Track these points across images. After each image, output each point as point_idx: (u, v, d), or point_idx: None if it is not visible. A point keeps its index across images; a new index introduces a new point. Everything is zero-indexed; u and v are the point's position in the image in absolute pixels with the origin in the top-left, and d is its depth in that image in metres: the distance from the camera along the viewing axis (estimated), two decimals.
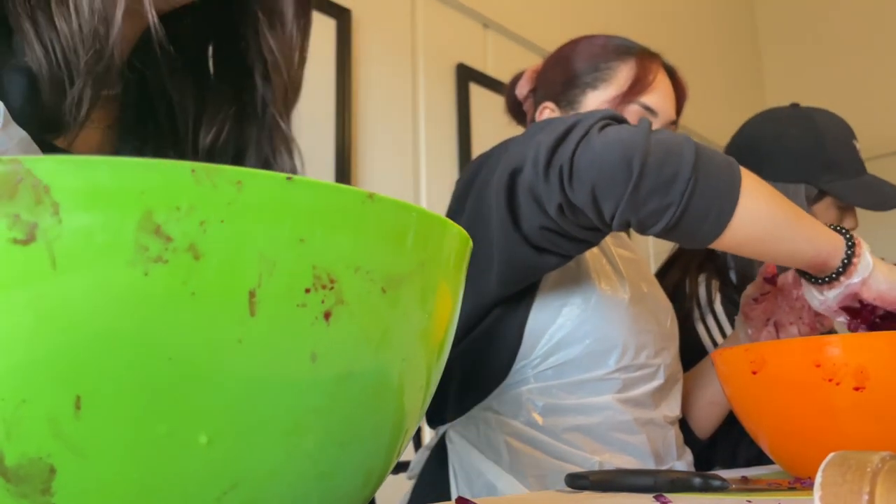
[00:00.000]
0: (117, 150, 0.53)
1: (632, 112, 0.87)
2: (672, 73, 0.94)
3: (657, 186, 0.63)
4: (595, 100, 0.89)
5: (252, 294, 0.22)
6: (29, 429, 0.22)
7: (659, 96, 0.89)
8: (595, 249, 0.86)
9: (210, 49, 0.58)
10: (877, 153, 2.37)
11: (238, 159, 0.56)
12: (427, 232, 0.27)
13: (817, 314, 0.84)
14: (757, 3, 3.15)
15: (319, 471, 0.26)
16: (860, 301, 0.72)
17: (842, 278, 0.68)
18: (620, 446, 0.80)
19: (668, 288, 1.07)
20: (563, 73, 0.93)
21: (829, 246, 0.68)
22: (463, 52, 1.61)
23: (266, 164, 0.56)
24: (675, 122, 0.93)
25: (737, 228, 0.64)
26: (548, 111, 0.93)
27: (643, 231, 0.66)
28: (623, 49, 0.91)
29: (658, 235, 0.66)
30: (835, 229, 0.69)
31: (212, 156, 0.55)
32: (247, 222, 0.22)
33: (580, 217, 0.67)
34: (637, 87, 0.88)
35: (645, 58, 0.90)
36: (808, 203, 1.11)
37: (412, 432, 0.33)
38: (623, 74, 0.89)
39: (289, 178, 0.23)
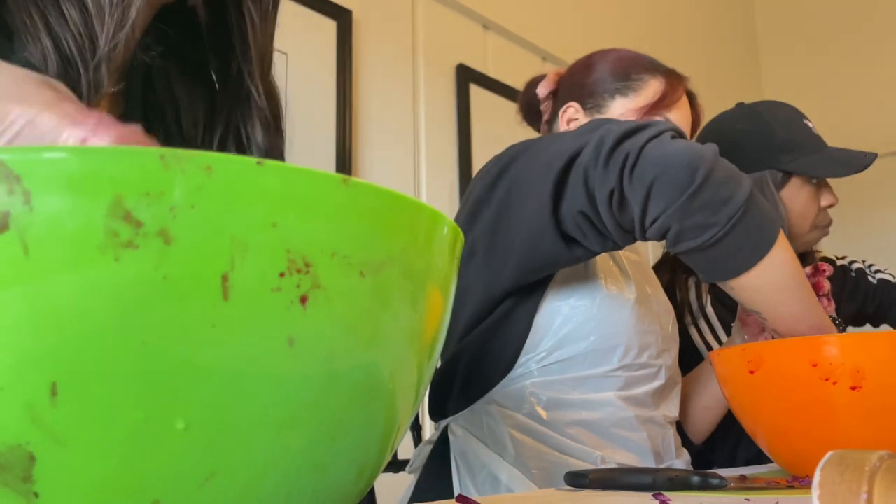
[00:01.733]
0: None
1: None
2: (693, 100, 0.98)
3: (711, 202, 0.64)
4: (621, 107, 0.91)
5: (225, 278, 0.23)
6: (7, 416, 0.22)
7: (680, 116, 0.93)
8: (607, 258, 0.88)
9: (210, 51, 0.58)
10: (877, 153, 2.42)
11: (239, 148, 0.56)
12: (405, 217, 0.27)
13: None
14: (756, 3, 3.16)
15: (309, 463, 0.26)
16: None
17: None
18: (622, 442, 0.81)
19: None
20: (592, 76, 0.95)
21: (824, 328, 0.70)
22: (463, 52, 1.62)
23: (238, 138, 0.55)
24: None
25: (763, 270, 0.66)
26: (572, 110, 0.95)
27: (677, 244, 0.67)
28: (653, 65, 0.95)
29: (688, 253, 0.68)
30: (832, 318, 0.73)
31: (216, 148, 0.56)
32: (217, 207, 0.22)
33: (625, 212, 0.68)
34: (665, 102, 0.91)
35: (673, 77, 0.94)
36: (777, 189, 1.11)
37: (405, 429, 0.32)
38: (652, 87, 0.92)
39: (259, 163, 0.23)
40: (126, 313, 0.22)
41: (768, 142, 1.13)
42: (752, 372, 0.62)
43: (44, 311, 0.21)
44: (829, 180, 1.16)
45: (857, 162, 1.09)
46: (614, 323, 0.82)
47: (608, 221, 0.70)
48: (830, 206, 1.16)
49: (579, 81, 0.97)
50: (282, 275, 0.23)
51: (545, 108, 1.02)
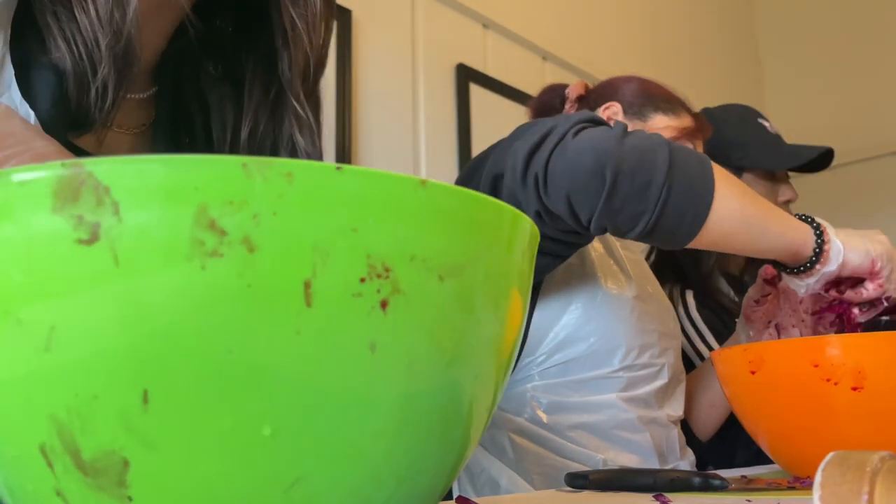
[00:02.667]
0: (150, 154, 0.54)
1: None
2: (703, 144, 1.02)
3: (631, 194, 0.63)
4: (664, 122, 0.94)
5: (307, 285, 0.22)
6: (102, 423, 0.22)
7: (699, 147, 0.97)
8: (601, 249, 0.87)
9: (246, 57, 0.57)
10: (877, 153, 2.37)
11: (274, 151, 0.55)
12: (483, 217, 0.27)
13: (819, 317, 0.85)
14: (757, 3, 3.17)
15: (389, 470, 0.26)
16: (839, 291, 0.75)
17: (817, 266, 0.71)
18: (624, 444, 0.80)
19: None
20: (637, 88, 0.98)
21: (799, 238, 0.70)
22: (463, 52, 1.61)
23: (275, 144, 0.55)
24: None
25: (711, 229, 0.65)
26: (614, 109, 0.96)
27: (621, 235, 0.68)
28: (686, 103, 1.00)
29: (635, 239, 0.68)
30: (801, 218, 0.72)
31: (251, 152, 0.55)
32: (299, 214, 0.22)
33: (558, 223, 0.69)
34: (696, 133, 0.96)
35: (699, 118, 0.99)
36: None
37: (479, 437, 0.32)
38: (686, 117, 0.97)
39: (338, 168, 0.23)
40: (212, 321, 0.22)
41: (718, 141, 1.17)
42: (753, 372, 0.63)
43: (134, 319, 0.22)
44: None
45: (805, 154, 1.14)
46: (615, 323, 0.81)
47: (553, 233, 0.71)
48: (789, 201, 1.20)
49: (625, 90, 0.99)
50: (362, 280, 0.23)
51: (569, 107, 1.02)
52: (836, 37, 2.86)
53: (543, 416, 0.80)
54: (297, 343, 0.23)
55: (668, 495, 0.48)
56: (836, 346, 0.58)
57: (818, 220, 0.72)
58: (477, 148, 1.57)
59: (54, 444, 0.23)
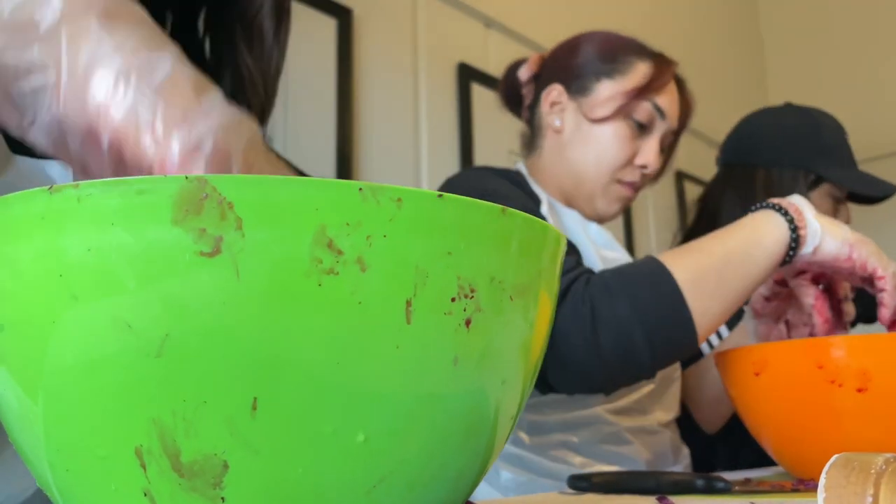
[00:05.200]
0: None
1: (643, 109, 0.87)
2: (682, 86, 0.94)
3: (624, 373, 0.65)
4: (608, 89, 0.88)
5: (408, 303, 0.24)
6: (207, 428, 0.23)
7: (669, 101, 0.89)
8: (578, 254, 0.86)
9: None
10: (882, 153, 2.35)
11: None
12: (542, 241, 0.29)
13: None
14: (760, 3, 3.15)
15: (455, 472, 0.28)
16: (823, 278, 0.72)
17: (799, 251, 0.67)
18: (610, 458, 0.79)
19: None
20: (577, 58, 0.92)
21: (773, 240, 0.66)
22: (464, 51, 1.62)
23: None
24: (676, 132, 0.92)
25: (704, 325, 0.64)
26: (556, 92, 0.91)
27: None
28: (641, 48, 0.91)
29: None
30: (763, 206, 0.68)
31: None
32: (405, 237, 0.24)
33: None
34: (652, 86, 0.88)
35: (661, 61, 0.91)
36: (806, 190, 1.13)
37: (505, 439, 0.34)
38: (640, 71, 0.88)
39: (440, 196, 0.25)
40: (324, 335, 0.23)
41: (812, 141, 1.14)
42: (757, 374, 0.62)
43: (250, 330, 0.23)
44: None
45: (883, 187, 1.12)
46: None
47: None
48: (844, 223, 1.19)
49: (564, 63, 0.93)
50: (453, 300, 0.25)
51: (527, 92, 0.98)
52: (840, 36, 2.82)
53: (525, 437, 0.78)
54: (396, 357, 0.24)
55: (671, 498, 0.48)
56: (841, 348, 0.57)
57: (783, 202, 0.68)
58: (478, 147, 1.57)
59: (153, 447, 0.24)
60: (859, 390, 0.56)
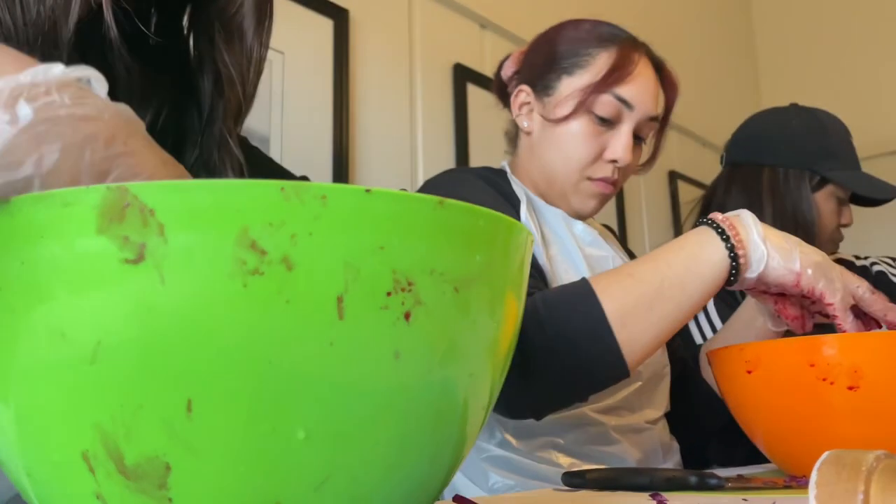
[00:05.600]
0: None
1: (605, 103, 0.83)
2: (660, 67, 0.89)
3: (554, 405, 0.66)
4: (569, 86, 0.85)
5: (340, 300, 0.24)
6: (146, 431, 0.24)
7: (638, 88, 0.84)
8: (559, 256, 0.82)
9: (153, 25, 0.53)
10: (875, 153, 2.37)
11: (177, 152, 0.51)
12: (494, 233, 0.29)
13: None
14: (753, 3, 3.15)
15: (403, 467, 0.28)
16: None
17: (741, 277, 0.64)
18: (598, 458, 0.78)
19: None
20: (544, 55, 0.89)
21: (711, 268, 0.63)
22: (460, 52, 1.61)
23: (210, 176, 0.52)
24: (656, 118, 0.87)
25: (633, 355, 0.62)
26: (524, 94, 0.90)
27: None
28: (607, 36, 0.87)
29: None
30: (706, 223, 0.64)
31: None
32: (332, 233, 0.24)
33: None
34: (613, 77, 0.83)
35: (627, 46, 0.85)
36: (811, 191, 1.15)
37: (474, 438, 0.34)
38: (601, 62, 0.84)
39: (368, 191, 0.25)
40: (253, 335, 0.23)
41: (817, 143, 1.16)
42: (749, 372, 0.62)
43: (179, 334, 0.23)
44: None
45: (886, 190, 1.13)
46: None
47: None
48: (847, 224, 1.20)
49: (534, 61, 0.91)
50: (389, 294, 0.25)
51: (511, 89, 0.95)
52: (832, 37, 2.82)
53: (512, 440, 0.77)
54: (330, 353, 0.24)
55: (665, 494, 0.48)
56: (833, 346, 0.57)
57: (728, 221, 0.63)
58: (474, 147, 1.58)
59: (97, 452, 0.24)
60: (850, 388, 0.56)
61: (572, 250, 0.84)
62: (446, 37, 1.62)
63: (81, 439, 0.24)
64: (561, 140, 0.85)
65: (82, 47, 0.47)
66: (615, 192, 0.87)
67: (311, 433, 0.25)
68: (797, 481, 0.54)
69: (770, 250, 0.63)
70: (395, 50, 1.49)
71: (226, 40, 0.50)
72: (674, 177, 2.32)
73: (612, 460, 0.78)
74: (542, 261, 0.80)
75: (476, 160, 1.55)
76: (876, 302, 0.65)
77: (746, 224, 0.63)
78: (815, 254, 0.64)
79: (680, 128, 2.35)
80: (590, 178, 0.85)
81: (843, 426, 0.57)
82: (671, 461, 0.85)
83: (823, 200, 1.15)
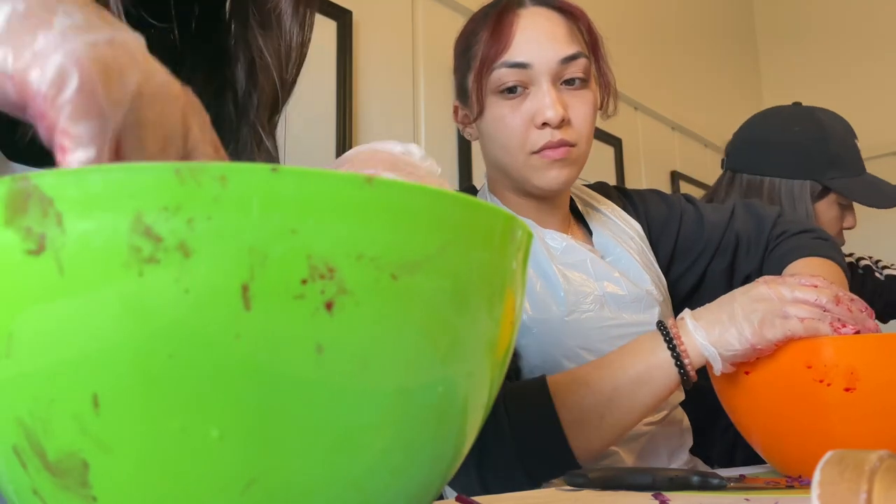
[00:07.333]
0: None
1: (500, 75, 0.78)
2: (549, 4, 0.82)
3: (509, 488, 0.66)
4: (472, 82, 0.82)
5: (245, 288, 0.22)
6: (60, 426, 0.23)
7: (527, 44, 0.78)
8: (533, 273, 0.81)
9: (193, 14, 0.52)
10: (876, 153, 2.38)
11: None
12: (446, 214, 0.26)
13: None
14: (755, 3, 3.15)
15: (346, 470, 0.26)
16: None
17: (693, 378, 0.66)
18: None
19: None
20: (456, 64, 0.88)
21: (661, 379, 0.66)
22: None
23: None
24: (574, 56, 0.79)
25: (587, 455, 0.67)
26: (458, 110, 0.88)
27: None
28: (483, 13, 0.83)
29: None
30: (660, 330, 0.67)
31: None
32: (233, 217, 0.22)
33: None
34: (493, 50, 0.78)
35: (502, 10, 0.80)
36: (812, 200, 1.15)
37: (469, 442, 0.31)
38: (482, 44, 0.80)
39: (273, 170, 0.23)
40: (152, 327, 0.22)
41: (821, 153, 1.15)
42: (746, 373, 0.63)
43: (80, 326, 0.22)
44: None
45: (892, 199, 1.13)
46: (549, 347, 0.76)
47: None
48: (850, 228, 1.20)
49: (455, 74, 0.89)
50: (304, 282, 0.23)
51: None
52: (834, 37, 2.88)
53: None
54: (237, 346, 0.23)
55: (667, 494, 0.48)
56: (830, 348, 0.58)
57: (671, 326, 0.67)
58: (476, 149, 1.58)
59: (24, 446, 0.24)
60: (847, 390, 0.57)
61: (547, 268, 0.81)
62: (449, 38, 1.59)
63: (9, 433, 0.24)
64: (490, 132, 0.83)
65: None
66: (576, 153, 0.81)
67: (225, 432, 0.23)
68: (800, 481, 0.54)
69: (717, 345, 0.64)
70: (399, 51, 1.51)
71: (261, 24, 0.49)
72: (675, 177, 2.34)
73: None
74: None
75: (479, 161, 1.55)
76: (844, 314, 0.63)
77: (687, 330, 0.66)
78: (752, 307, 0.63)
79: (682, 128, 2.37)
80: (533, 153, 0.80)
81: (839, 428, 0.58)
82: (678, 462, 0.83)
83: (825, 209, 1.15)
